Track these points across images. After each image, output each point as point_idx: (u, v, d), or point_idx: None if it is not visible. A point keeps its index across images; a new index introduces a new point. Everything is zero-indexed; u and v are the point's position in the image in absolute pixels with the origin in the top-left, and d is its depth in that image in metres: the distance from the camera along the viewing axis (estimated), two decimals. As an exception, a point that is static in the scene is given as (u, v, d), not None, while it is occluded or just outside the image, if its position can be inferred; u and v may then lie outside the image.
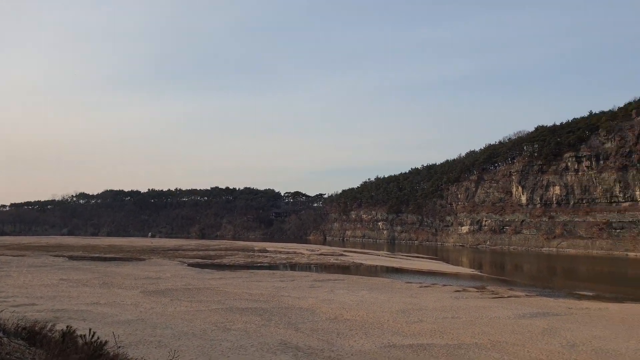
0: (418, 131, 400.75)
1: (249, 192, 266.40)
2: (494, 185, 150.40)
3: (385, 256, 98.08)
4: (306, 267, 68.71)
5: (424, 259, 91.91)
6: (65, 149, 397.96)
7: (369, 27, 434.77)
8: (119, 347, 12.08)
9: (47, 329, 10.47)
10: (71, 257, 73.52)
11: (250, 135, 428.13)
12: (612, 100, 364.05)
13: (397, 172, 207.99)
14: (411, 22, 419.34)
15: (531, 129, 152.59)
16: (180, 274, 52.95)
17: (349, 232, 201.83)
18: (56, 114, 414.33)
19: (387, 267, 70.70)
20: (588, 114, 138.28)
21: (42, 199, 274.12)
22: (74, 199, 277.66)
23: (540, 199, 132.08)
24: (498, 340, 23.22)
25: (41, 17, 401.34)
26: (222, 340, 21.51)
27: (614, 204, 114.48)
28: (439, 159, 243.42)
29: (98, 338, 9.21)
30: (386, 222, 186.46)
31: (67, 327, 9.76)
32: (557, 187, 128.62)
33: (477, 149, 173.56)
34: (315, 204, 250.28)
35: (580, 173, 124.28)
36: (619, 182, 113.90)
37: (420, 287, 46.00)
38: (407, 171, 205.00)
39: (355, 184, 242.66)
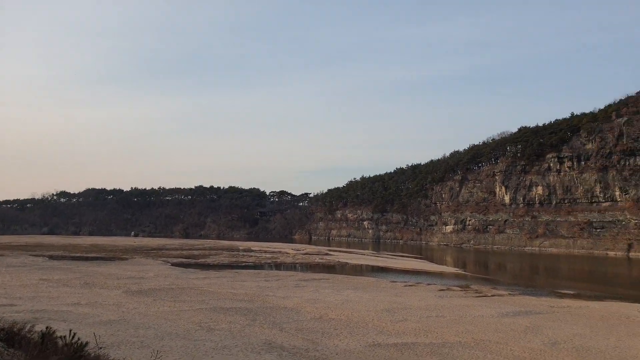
0: (403, 131, 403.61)
1: (233, 191, 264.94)
2: (477, 185, 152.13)
3: (371, 255, 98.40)
4: (291, 267, 68.55)
5: (409, 258, 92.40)
6: (45, 147, 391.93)
7: (352, 27, 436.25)
8: (101, 348, 11.89)
9: (26, 330, 10.24)
10: (51, 257, 72.16)
11: (235, 134, 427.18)
12: (593, 102, 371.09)
13: (382, 172, 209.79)
14: (395, 21, 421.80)
15: (514, 129, 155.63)
16: (164, 273, 52.36)
17: (334, 232, 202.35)
18: (36, 110, 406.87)
19: (372, 266, 70.96)
20: (570, 115, 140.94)
21: (22, 198, 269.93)
22: (55, 197, 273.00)
23: (523, 199, 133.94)
24: (482, 338, 23.43)
25: (23, 13, 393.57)
26: (206, 340, 21.32)
27: (594, 204, 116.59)
28: (423, 159, 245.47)
29: (79, 339, 9.04)
30: (371, 221, 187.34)
31: (47, 328, 9.56)
32: (539, 187, 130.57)
33: (461, 149, 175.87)
34: (301, 204, 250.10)
35: (562, 173, 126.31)
36: (600, 183, 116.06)
37: (405, 286, 46.23)
38: (392, 171, 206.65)
39: (341, 183, 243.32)
